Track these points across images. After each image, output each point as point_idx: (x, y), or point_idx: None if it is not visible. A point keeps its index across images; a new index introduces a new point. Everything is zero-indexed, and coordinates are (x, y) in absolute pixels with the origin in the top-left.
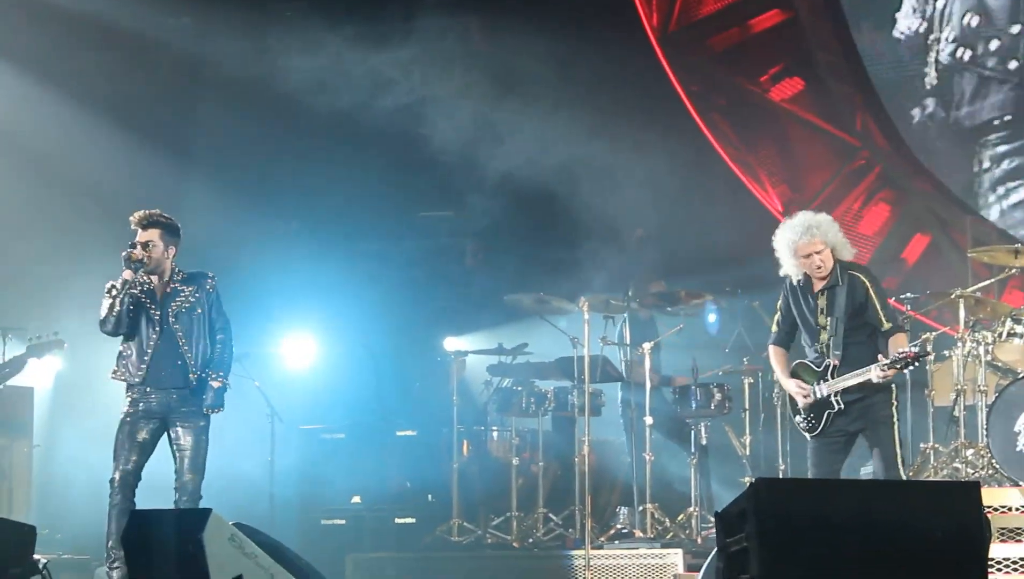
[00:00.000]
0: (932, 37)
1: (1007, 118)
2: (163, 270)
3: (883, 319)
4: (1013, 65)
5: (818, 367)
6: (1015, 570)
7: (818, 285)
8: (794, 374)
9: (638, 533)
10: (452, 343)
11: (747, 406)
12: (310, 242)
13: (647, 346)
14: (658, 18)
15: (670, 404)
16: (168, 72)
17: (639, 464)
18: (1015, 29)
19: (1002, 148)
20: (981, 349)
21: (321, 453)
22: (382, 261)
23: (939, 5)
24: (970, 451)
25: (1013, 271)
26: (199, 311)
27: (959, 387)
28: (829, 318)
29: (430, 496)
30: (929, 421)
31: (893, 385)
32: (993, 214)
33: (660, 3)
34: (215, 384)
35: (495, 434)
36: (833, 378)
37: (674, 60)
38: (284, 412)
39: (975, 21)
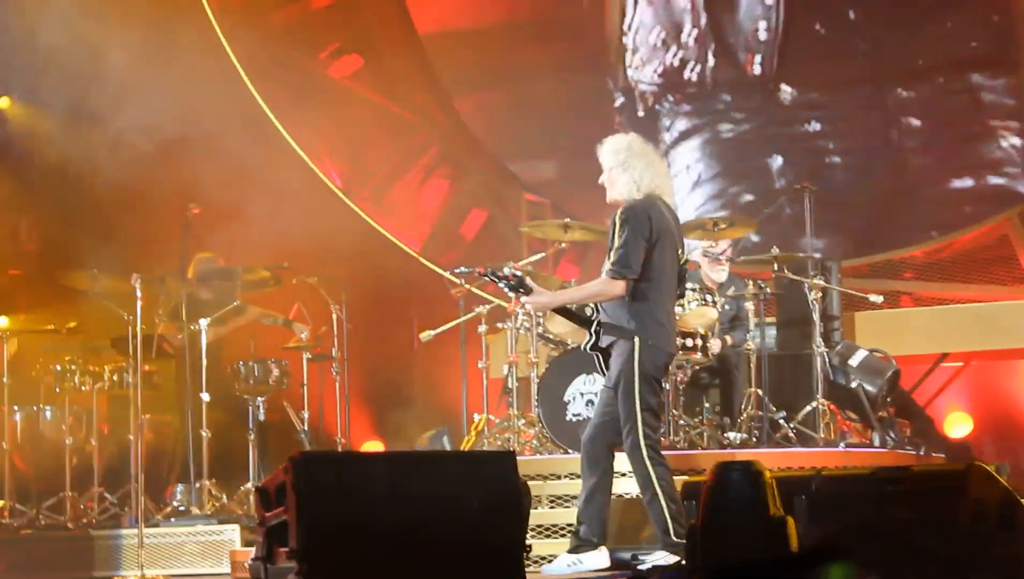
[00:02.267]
0: None
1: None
2: None
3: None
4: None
5: None
6: (562, 535)
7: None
8: None
9: (195, 510)
10: (2, 321)
11: (305, 382)
12: None
13: (203, 322)
14: None
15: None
16: None
17: (196, 440)
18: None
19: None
20: (533, 321)
21: None
22: None
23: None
24: (522, 421)
25: (563, 245)
26: None
27: (512, 358)
28: None
29: None
30: (484, 392)
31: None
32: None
33: None
34: None
35: (48, 413)
36: None
37: (234, 38)
38: None
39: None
